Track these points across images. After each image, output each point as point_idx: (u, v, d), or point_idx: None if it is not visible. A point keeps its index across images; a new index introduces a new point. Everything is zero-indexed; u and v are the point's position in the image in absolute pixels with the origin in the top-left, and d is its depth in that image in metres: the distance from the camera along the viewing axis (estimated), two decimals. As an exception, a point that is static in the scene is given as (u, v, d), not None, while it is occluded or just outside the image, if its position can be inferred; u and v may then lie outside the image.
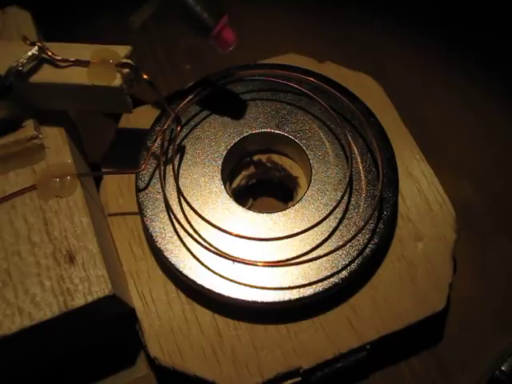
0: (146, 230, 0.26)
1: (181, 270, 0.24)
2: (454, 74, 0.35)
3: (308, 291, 0.24)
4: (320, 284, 0.24)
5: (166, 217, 0.26)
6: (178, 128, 0.27)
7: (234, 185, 0.29)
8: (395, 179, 0.26)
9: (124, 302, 0.23)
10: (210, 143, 0.27)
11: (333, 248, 0.24)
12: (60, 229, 0.23)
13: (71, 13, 0.38)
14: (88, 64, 0.23)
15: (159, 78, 0.35)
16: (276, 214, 0.26)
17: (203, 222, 0.25)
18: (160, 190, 0.26)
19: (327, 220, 0.25)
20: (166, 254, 0.25)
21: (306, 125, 0.28)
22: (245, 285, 0.24)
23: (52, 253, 0.22)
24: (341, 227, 0.25)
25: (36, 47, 0.23)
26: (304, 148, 0.27)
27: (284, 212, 0.26)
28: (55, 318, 0.21)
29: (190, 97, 0.28)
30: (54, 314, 0.21)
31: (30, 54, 0.23)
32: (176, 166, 0.27)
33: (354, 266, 0.24)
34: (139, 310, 0.25)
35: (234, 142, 0.28)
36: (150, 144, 0.27)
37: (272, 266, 0.24)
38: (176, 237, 0.25)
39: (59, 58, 0.23)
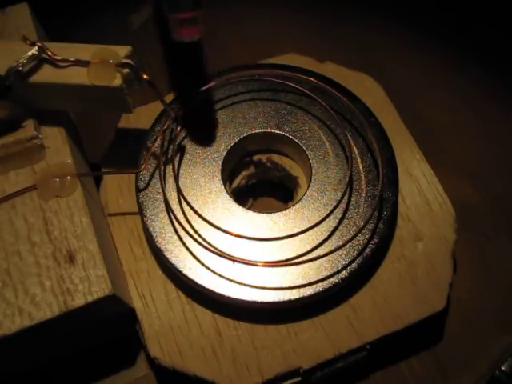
0: (146, 229, 0.26)
1: (181, 270, 0.24)
2: (454, 73, 0.35)
3: (308, 291, 0.24)
4: (320, 284, 0.24)
5: (166, 217, 0.26)
6: (178, 128, 0.27)
7: (234, 185, 0.29)
8: (395, 179, 0.26)
9: (124, 302, 0.23)
10: (210, 143, 0.27)
11: (333, 248, 0.24)
12: (60, 229, 0.23)
13: (71, 12, 0.38)
14: (88, 64, 0.23)
15: (159, 78, 0.35)
16: (276, 214, 0.26)
17: (203, 222, 0.25)
18: (160, 190, 0.26)
19: (327, 220, 0.25)
20: (166, 253, 0.25)
21: (306, 125, 0.28)
22: (245, 285, 0.24)
23: (52, 253, 0.22)
24: (341, 227, 0.25)
25: (36, 47, 0.23)
26: (304, 148, 0.27)
27: (284, 212, 0.26)
28: (55, 318, 0.21)
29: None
30: (54, 314, 0.21)
31: (30, 53, 0.23)
32: (176, 166, 0.27)
33: (353, 265, 0.24)
34: (139, 310, 0.25)
35: (233, 141, 0.28)
36: (150, 144, 0.27)
37: (272, 266, 0.24)
38: (176, 237, 0.25)
39: (59, 58, 0.23)
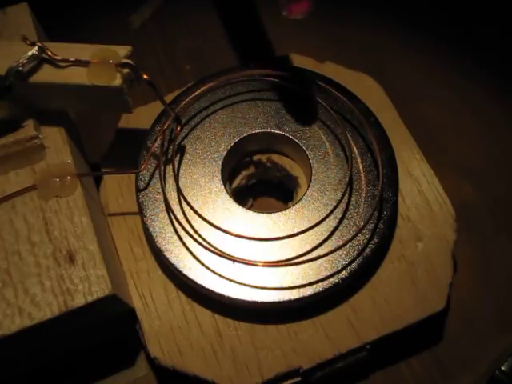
0: (146, 229, 0.26)
1: (181, 270, 0.24)
2: (454, 73, 0.35)
3: (308, 291, 0.24)
4: (320, 284, 0.24)
5: (166, 217, 0.26)
6: (178, 128, 0.27)
7: (234, 185, 0.29)
8: (395, 179, 0.26)
9: (124, 302, 0.23)
10: (210, 143, 0.27)
11: (333, 248, 0.24)
12: (60, 229, 0.23)
13: (71, 12, 0.38)
14: (88, 64, 0.23)
15: (159, 78, 0.35)
16: (276, 214, 0.26)
17: (203, 222, 0.25)
18: (160, 190, 0.26)
19: (327, 220, 0.25)
20: (166, 253, 0.25)
21: (306, 125, 0.28)
22: (245, 285, 0.24)
23: (52, 253, 0.22)
24: (341, 227, 0.25)
25: (36, 47, 0.23)
26: (304, 148, 0.27)
27: (284, 212, 0.26)
28: (55, 318, 0.21)
29: (190, 97, 0.28)
30: (53, 314, 0.21)
31: (30, 54, 0.23)
32: (176, 166, 0.27)
33: (353, 266, 0.24)
34: (139, 310, 0.25)
35: (233, 141, 0.28)
36: (150, 144, 0.27)
37: (272, 266, 0.24)
38: (176, 237, 0.25)
39: (59, 57, 0.23)
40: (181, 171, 0.27)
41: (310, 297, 0.24)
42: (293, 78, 0.28)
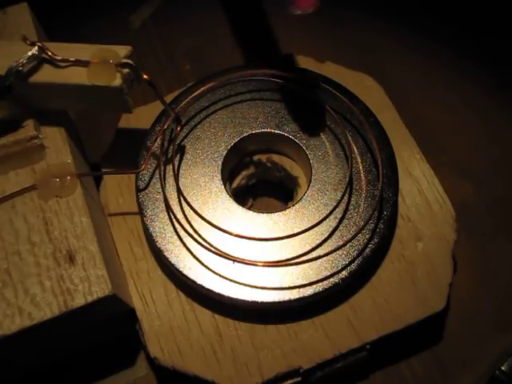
0: (146, 229, 0.26)
1: (181, 270, 0.24)
2: (454, 73, 0.35)
3: (308, 291, 0.24)
4: (320, 284, 0.24)
5: (166, 217, 0.26)
6: (178, 128, 0.27)
7: (234, 185, 0.29)
8: (395, 179, 0.26)
9: (124, 302, 0.23)
10: (210, 143, 0.28)
11: (333, 248, 0.24)
12: (60, 229, 0.23)
13: (71, 12, 0.38)
14: (88, 64, 0.23)
15: (159, 78, 0.35)
16: (276, 214, 0.26)
17: (203, 222, 0.25)
18: (160, 190, 0.26)
19: (327, 220, 0.25)
20: (166, 253, 0.25)
21: (306, 125, 0.28)
22: (245, 285, 0.24)
23: (52, 253, 0.22)
24: (341, 227, 0.25)
25: (36, 47, 0.23)
26: (304, 148, 0.27)
27: (284, 212, 0.26)
28: (55, 318, 0.21)
29: (190, 97, 0.28)
30: (53, 314, 0.21)
31: (30, 54, 0.23)
32: (176, 166, 0.27)
33: (353, 266, 0.24)
34: (139, 310, 0.25)
35: (233, 141, 0.28)
36: (150, 144, 0.27)
37: (272, 266, 0.24)
38: (176, 237, 0.25)
39: (59, 57, 0.23)
40: (181, 171, 0.27)
41: (309, 297, 0.24)
42: (293, 77, 0.28)
